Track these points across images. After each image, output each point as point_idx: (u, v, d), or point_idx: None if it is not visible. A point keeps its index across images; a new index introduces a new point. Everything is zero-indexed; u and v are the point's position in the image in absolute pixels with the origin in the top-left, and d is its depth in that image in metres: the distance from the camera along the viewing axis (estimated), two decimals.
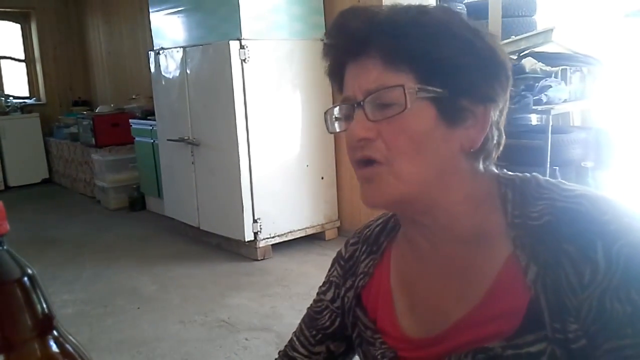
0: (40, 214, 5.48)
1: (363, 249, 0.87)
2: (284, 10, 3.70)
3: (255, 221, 3.69)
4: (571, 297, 0.62)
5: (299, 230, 3.90)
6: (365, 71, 0.68)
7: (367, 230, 0.89)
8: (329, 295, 0.90)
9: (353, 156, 0.71)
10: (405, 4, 0.71)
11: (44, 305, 0.37)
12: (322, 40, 0.75)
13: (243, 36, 3.52)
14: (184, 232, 4.35)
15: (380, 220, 0.88)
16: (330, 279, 0.91)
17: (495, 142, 0.72)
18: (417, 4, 0.72)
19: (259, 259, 3.71)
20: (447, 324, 0.72)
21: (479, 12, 3.91)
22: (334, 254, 3.30)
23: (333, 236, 4.05)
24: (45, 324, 0.36)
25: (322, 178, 3.99)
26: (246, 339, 2.61)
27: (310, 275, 3.40)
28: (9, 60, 7.44)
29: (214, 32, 3.71)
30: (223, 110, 3.65)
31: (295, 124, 3.82)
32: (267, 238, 3.75)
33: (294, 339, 0.94)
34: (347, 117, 0.71)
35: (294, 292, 3.14)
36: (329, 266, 0.93)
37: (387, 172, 0.68)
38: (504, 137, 0.73)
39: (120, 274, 3.61)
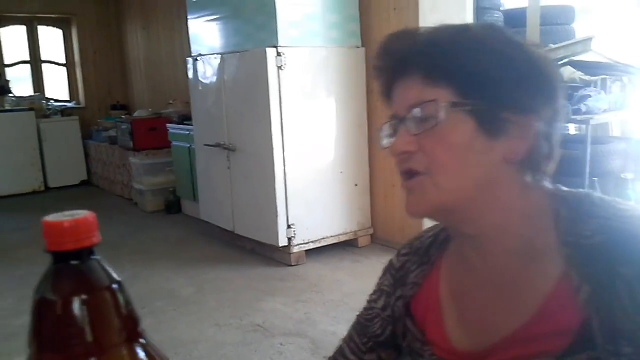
0: None
1: (414, 259, 0.89)
2: (320, 18, 3.74)
3: (289, 227, 3.73)
4: (626, 321, 0.62)
5: (332, 236, 3.93)
6: (408, 89, 0.72)
7: (419, 241, 0.91)
8: (380, 303, 0.92)
9: (398, 169, 0.74)
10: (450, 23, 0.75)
11: (132, 313, 0.40)
12: (373, 65, 0.79)
13: (280, 44, 3.57)
14: (219, 236, 4.41)
15: (431, 233, 0.90)
16: (382, 287, 0.94)
17: (544, 154, 0.73)
18: (461, 22, 0.76)
19: (293, 264, 3.75)
20: (496, 338, 0.73)
21: (517, 21, 3.87)
22: (367, 261, 3.33)
23: (366, 243, 4.06)
24: (134, 331, 0.39)
25: (356, 185, 4.01)
26: (281, 344, 2.65)
27: (343, 282, 3.42)
28: (51, 64, 7.68)
29: (251, 39, 3.78)
30: (259, 117, 3.70)
31: (330, 131, 3.86)
32: (301, 244, 3.79)
33: (344, 346, 0.96)
34: (393, 133, 0.75)
35: (328, 299, 3.16)
36: (380, 275, 0.96)
37: (428, 182, 0.71)
38: (557, 150, 0.74)
39: (158, 276, 3.69)
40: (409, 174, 0.73)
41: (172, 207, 5.43)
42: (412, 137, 0.71)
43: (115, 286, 0.38)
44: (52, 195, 6.69)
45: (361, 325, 0.94)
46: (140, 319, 0.41)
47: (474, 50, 0.69)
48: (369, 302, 0.95)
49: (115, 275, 0.38)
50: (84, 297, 0.37)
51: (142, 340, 0.39)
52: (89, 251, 0.37)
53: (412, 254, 0.90)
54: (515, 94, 0.69)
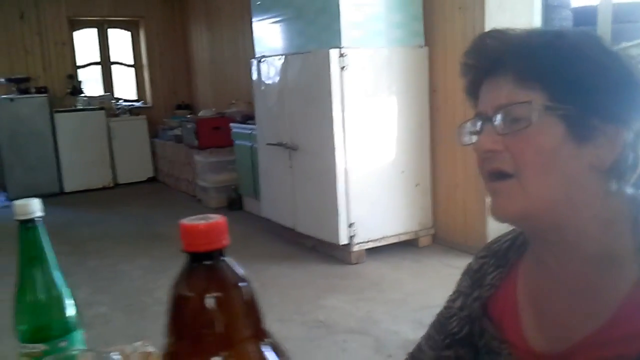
0: (147, 210, 5.87)
1: (491, 262, 0.91)
2: (383, 18, 3.75)
3: (350, 225, 3.76)
4: None
5: (392, 236, 3.93)
6: (497, 88, 0.72)
7: (496, 244, 0.93)
8: (458, 303, 0.94)
9: (482, 168, 0.75)
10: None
11: (258, 310, 0.44)
12: (461, 61, 0.80)
13: (342, 44, 3.60)
14: (280, 233, 4.50)
15: (509, 236, 0.91)
16: (460, 288, 0.96)
17: (629, 164, 0.72)
18: (555, 28, 0.76)
19: (353, 262, 3.78)
20: (573, 341, 0.74)
21: (587, 18, 3.75)
22: (428, 262, 3.31)
23: (427, 243, 4.04)
24: (259, 328, 0.43)
25: (417, 185, 3.99)
26: (344, 341, 2.68)
27: (404, 281, 3.42)
28: (120, 65, 8.02)
29: (314, 40, 3.83)
30: (321, 117, 3.75)
31: (392, 130, 3.86)
32: (361, 242, 3.81)
33: (422, 342, 0.99)
34: (477, 131, 0.75)
35: (389, 298, 3.17)
36: (460, 277, 0.98)
37: (517, 186, 0.71)
38: None
39: None
40: (496, 175, 0.73)
41: (234, 203, 5.57)
42: (499, 137, 0.71)
43: (243, 284, 0.42)
44: (120, 191, 7.00)
45: (440, 324, 0.97)
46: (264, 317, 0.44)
47: (569, 56, 0.70)
48: (448, 302, 0.98)
49: (242, 275, 0.42)
50: (216, 294, 0.41)
51: (268, 339, 0.43)
52: (219, 252, 0.41)
53: (490, 257, 0.92)
54: (608, 102, 0.69)
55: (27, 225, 0.71)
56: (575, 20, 3.92)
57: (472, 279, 0.93)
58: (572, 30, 0.75)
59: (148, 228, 5.14)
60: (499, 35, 0.75)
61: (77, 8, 7.35)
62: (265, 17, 4.40)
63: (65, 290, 0.74)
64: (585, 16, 3.84)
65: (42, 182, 6.73)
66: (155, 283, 3.68)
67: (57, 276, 0.74)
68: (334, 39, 3.61)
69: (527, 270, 0.85)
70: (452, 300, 0.96)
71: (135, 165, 7.32)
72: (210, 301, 0.40)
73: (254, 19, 4.57)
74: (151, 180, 7.41)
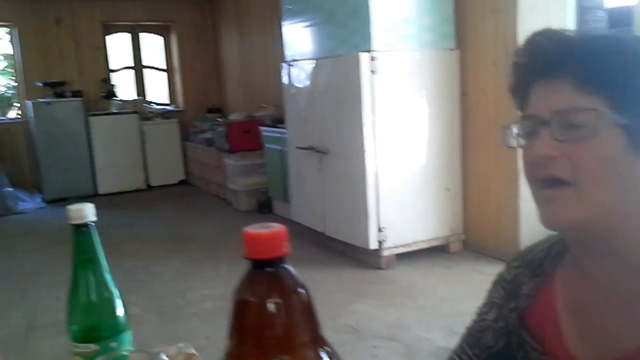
0: (178, 213, 5.96)
1: (526, 272, 0.89)
2: (415, 21, 3.74)
3: (380, 230, 3.75)
4: None
5: (422, 241, 3.91)
6: (555, 91, 0.70)
7: (530, 254, 0.91)
8: (491, 315, 0.93)
9: (534, 173, 0.73)
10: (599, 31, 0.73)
11: (315, 316, 0.45)
12: (513, 59, 0.78)
13: (373, 48, 3.60)
14: (309, 237, 4.51)
15: (544, 245, 0.90)
16: (492, 300, 0.94)
17: None
18: (614, 32, 0.74)
19: (383, 267, 3.77)
20: (619, 352, 0.73)
21: (623, 19, 3.68)
22: (459, 268, 3.28)
23: (458, 249, 4.00)
24: (317, 334, 0.44)
25: (448, 189, 3.96)
26: (374, 347, 2.68)
27: (435, 287, 3.39)
28: (152, 69, 8.16)
29: (344, 44, 3.84)
30: (351, 120, 3.75)
31: (422, 134, 3.84)
32: (391, 247, 3.80)
33: (455, 357, 0.97)
34: (528, 134, 0.73)
35: (420, 304, 3.16)
36: (490, 287, 0.96)
37: (573, 194, 0.69)
38: None
39: None
40: (550, 182, 0.71)
41: (264, 207, 5.61)
42: (556, 142, 0.69)
43: (302, 291, 0.43)
44: (153, 194, 7.12)
45: (472, 337, 0.95)
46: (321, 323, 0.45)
47: (635, 65, 0.68)
48: (479, 314, 0.95)
49: (301, 282, 0.43)
50: (277, 299, 0.42)
51: (326, 347, 0.44)
52: (280, 260, 0.42)
53: (524, 267, 0.90)
54: None
55: (81, 229, 0.73)
56: (610, 21, 3.85)
57: (506, 289, 0.92)
58: (633, 37, 0.73)
59: (179, 230, 5.22)
60: (554, 35, 0.73)
61: (111, 13, 7.51)
62: (295, 21, 4.43)
63: (115, 292, 0.76)
64: (620, 17, 3.76)
65: (77, 184, 6.90)
66: (186, 285, 3.73)
67: (108, 278, 0.76)
68: (365, 43, 3.62)
69: (567, 279, 0.83)
70: (484, 312, 0.94)
71: (166, 168, 7.44)
72: (271, 306, 0.42)
73: (284, 23, 4.60)
74: (182, 183, 7.52)
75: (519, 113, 0.78)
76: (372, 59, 3.59)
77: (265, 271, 0.42)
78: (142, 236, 5.08)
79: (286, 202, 5.11)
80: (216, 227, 5.26)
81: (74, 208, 0.72)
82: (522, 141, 0.75)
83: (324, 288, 3.52)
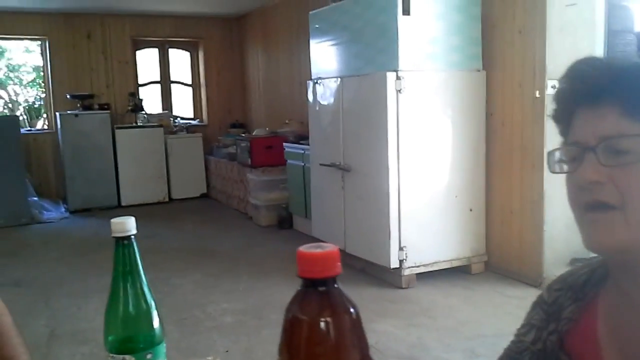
0: (199, 226, 6.00)
1: (567, 295, 0.89)
2: (442, 41, 3.75)
3: (401, 249, 3.74)
4: None
5: (444, 261, 3.87)
6: (601, 118, 0.71)
7: (572, 277, 0.90)
8: (530, 337, 0.92)
9: (579, 198, 0.73)
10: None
11: (364, 337, 0.45)
12: (553, 86, 0.80)
13: (400, 67, 3.62)
14: None
15: (585, 269, 0.89)
16: (531, 321, 0.94)
17: None
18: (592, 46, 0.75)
19: (404, 287, 3.74)
20: None
21: None
22: (481, 289, 3.23)
23: (479, 270, 3.96)
24: (367, 355, 0.45)
25: (471, 210, 3.93)
26: None
27: (457, 308, 3.36)
28: (179, 84, 8.29)
29: (371, 63, 3.86)
30: (375, 139, 3.76)
31: (446, 154, 3.83)
32: (412, 267, 3.77)
33: None
34: (573, 160, 0.74)
35: (440, 325, 3.12)
36: (529, 309, 0.96)
37: (620, 217, 0.69)
38: None
39: (272, 288, 3.84)
40: (595, 206, 0.71)
41: (285, 222, 5.62)
42: (602, 168, 0.70)
43: (353, 311, 0.43)
44: (174, 206, 7.18)
45: (510, 358, 0.95)
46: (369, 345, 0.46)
47: None
48: (517, 335, 0.95)
49: (352, 302, 0.43)
50: (329, 318, 0.42)
51: None
52: (333, 279, 0.43)
53: (566, 290, 0.90)
54: None
55: (123, 242, 0.75)
56: None
57: (546, 312, 0.91)
58: None
59: (200, 243, 5.25)
60: (599, 63, 0.74)
61: (141, 29, 7.67)
62: (322, 40, 4.48)
63: (152, 304, 0.77)
64: None
65: (101, 195, 7.00)
66: (207, 298, 3.74)
67: (147, 290, 0.77)
68: (392, 62, 3.64)
69: (609, 304, 0.83)
70: (522, 333, 0.94)
71: (189, 181, 7.51)
72: (323, 325, 0.42)
73: (311, 42, 4.65)
74: (204, 196, 7.58)
75: (562, 139, 0.78)
76: (399, 78, 3.61)
77: (317, 290, 0.43)
78: (163, 248, 5.11)
79: (307, 218, 5.12)
80: (236, 241, 5.28)
81: (116, 221, 0.74)
82: (565, 167, 0.75)
83: None
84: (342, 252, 4.22)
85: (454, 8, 3.75)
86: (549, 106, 3.49)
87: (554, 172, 0.77)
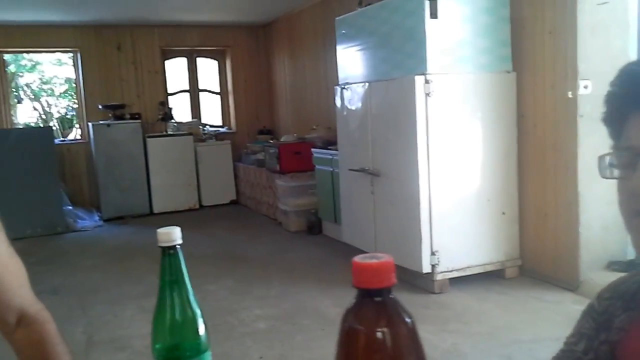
0: (229, 232, 6.05)
1: (618, 304, 0.87)
2: (470, 44, 3.72)
3: (433, 253, 3.71)
4: None
5: (477, 266, 3.83)
6: None
7: (623, 285, 0.89)
8: (581, 346, 0.91)
9: (632, 205, 0.71)
10: None
11: (422, 348, 0.45)
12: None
13: (428, 71, 3.60)
14: None
15: (637, 277, 0.88)
16: (582, 330, 0.92)
17: None
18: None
19: (436, 292, 3.71)
20: None
21: None
22: (515, 294, 3.18)
23: (513, 275, 3.90)
24: None
25: (504, 213, 3.88)
26: None
27: (491, 314, 3.31)
28: (207, 93, 8.39)
29: (399, 67, 3.85)
30: (405, 143, 3.75)
31: (477, 157, 3.79)
32: (445, 271, 3.74)
33: None
34: (626, 165, 0.72)
35: (475, 331, 3.09)
36: (579, 318, 0.94)
37: None
38: None
39: (304, 294, 3.85)
40: None
41: (314, 227, 5.63)
42: None
43: (410, 322, 0.44)
44: (205, 213, 7.26)
45: None
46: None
47: None
48: (567, 344, 0.94)
49: (409, 312, 0.43)
50: (386, 328, 0.42)
51: None
52: (389, 290, 0.43)
53: (616, 298, 0.88)
54: None
55: (169, 251, 0.76)
56: None
57: (597, 321, 0.89)
58: None
59: (230, 250, 5.30)
60: None
61: (169, 39, 7.80)
62: (349, 45, 4.48)
63: (198, 312, 0.78)
64: None
65: (134, 203, 7.12)
66: (239, 304, 3.77)
67: (192, 299, 0.78)
68: (420, 66, 3.62)
69: None
70: (573, 343, 0.93)
71: (218, 188, 7.59)
72: (380, 335, 0.42)
73: (337, 47, 4.66)
74: (233, 202, 7.64)
75: (612, 142, 0.76)
76: (427, 81, 3.59)
77: (373, 300, 0.43)
78: (195, 255, 5.16)
79: (336, 223, 5.13)
80: (267, 247, 5.31)
81: (163, 231, 0.75)
82: (617, 172, 0.74)
83: None
84: None
85: (482, 10, 3.72)
86: (582, 107, 3.45)
87: (604, 178, 0.76)
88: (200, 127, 7.84)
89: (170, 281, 0.77)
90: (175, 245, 0.76)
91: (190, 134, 7.45)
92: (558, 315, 3.23)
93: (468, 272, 3.80)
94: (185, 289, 0.78)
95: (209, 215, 7.07)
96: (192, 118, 8.07)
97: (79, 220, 6.72)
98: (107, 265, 5.01)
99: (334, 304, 3.64)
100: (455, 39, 3.67)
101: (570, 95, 3.47)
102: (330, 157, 5.19)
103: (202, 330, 0.79)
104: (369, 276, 0.43)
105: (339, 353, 0.44)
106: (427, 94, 3.61)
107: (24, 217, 6.04)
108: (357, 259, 0.43)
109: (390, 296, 0.44)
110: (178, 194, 7.33)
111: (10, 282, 1.08)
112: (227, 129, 8.32)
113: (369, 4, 4.34)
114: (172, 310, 0.77)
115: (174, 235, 0.76)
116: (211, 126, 8.19)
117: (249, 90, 8.25)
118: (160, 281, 0.77)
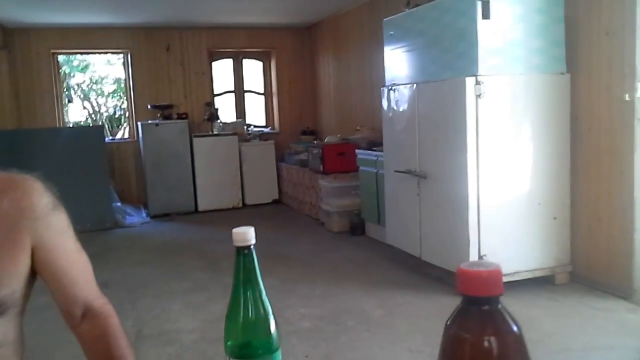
0: (272, 231, 6.10)
1: None
2: (522, 44, 3.64)
3: (480, 257, 3.64)
4: None
5: (526, 271, 3.74)
6: None
7: None
8: None
9: None
10: None
11: (530, 358, 0.44)
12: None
13: (479, 72, 3.54)
14: (404, 261, 4.46)
15: None
16: None
17: None
18: None
19: None
20: None
21: None
22: (566, 301, 3.10)
23: (564, 281, 3.80)
24: None
25: (555, 218, 3.78)
26: None
27: (540, 321, 3.23)
28: (252, 93, 8.49)
29: (448, 68, 3.80)
30: (454, 145, 3.70)
31: (528, 159, 3.71)
32: None
33: None
34: None
35: (524, 337, 3.01)
36: None
37: None
38: None
39: (347, 295, 3.84)
40: None
41: (357, 228, 5.62)
42: None
43: (517, 331, 0.43)
44: (248, 211, 7.35)
45: None
46: None
47: None
48: None
49: (516, 321, 0.43)
50: (494, 337, 0.42)
51: None
52: (496, 299, 0.43)
53: None
54: None
55: (244, 251, 0.77)
56: None
57: None
58: None
59: (273, 248, 5.33)
60: None
61: (217, 41, 7.93)
62: (396, 46, 4.45)
63: (270, 312, 0.79)
64: None
65: (179, 201, 7.27)
66: (283, 303, 3.79)
67: (265, 298, 0.79)
68: (471, 67, 3.57)
69: None
70: None
71: (262, 187, 7.67)
72: (488, 344, 0.42)
73: (385, 48, 4.64)
74: (275, 202, 7.71)
75: None
76: (478, 83, 3.53)
77: (480, 308, 0.43)
78: None
79: (379, 224, 5.10)
80: (309, 246, 5.33)
81: (238, 231, 0.77)
82: None
83: (422, 314, 3.46)
84: (418, 259, 4.19)
85: (535, 10, 3.64)
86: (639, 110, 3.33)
87: None
88: (245, 127, 7.93)
89: (244, 280, 0.78)
90: (249, 245, 0.77)
91: (235, 134, 7.55)
92: (610, 324, 3.13)
93: (517, 277, 3.71)
94: (259, 288, 0.79)
95: (252, 214, 7.14)
96: (237, 118, 8.18)
97: (127, 217, 6.90)
98: (155, 261, 5.13)
99: (379, 306, 3.62)
100: (507, 39, 3.59)
101: (627, 98, 3.35)
102: (375, 158, 5.16)
103: (273, 329, 0.80)
104: (478, 284, 0.43)
105: (441, 356, 0.44)
106: (478, 96, 3.55)
107: (74, 212, 6.07)
108: (464, 266, 0.43)
109: (499, 305, 0.43)
110: (222, 192, 7.44)
111: (77, 276, 1.12)
112: (270, 129, 8.39)
113: (417, 5, 4.31)
114: (245, 308, 0.78)
115: (248, 235, 0.77)
116: (255, 126, 8.28)
117: (293, 91, 8.31)
118: (234, 279, 0.78)
